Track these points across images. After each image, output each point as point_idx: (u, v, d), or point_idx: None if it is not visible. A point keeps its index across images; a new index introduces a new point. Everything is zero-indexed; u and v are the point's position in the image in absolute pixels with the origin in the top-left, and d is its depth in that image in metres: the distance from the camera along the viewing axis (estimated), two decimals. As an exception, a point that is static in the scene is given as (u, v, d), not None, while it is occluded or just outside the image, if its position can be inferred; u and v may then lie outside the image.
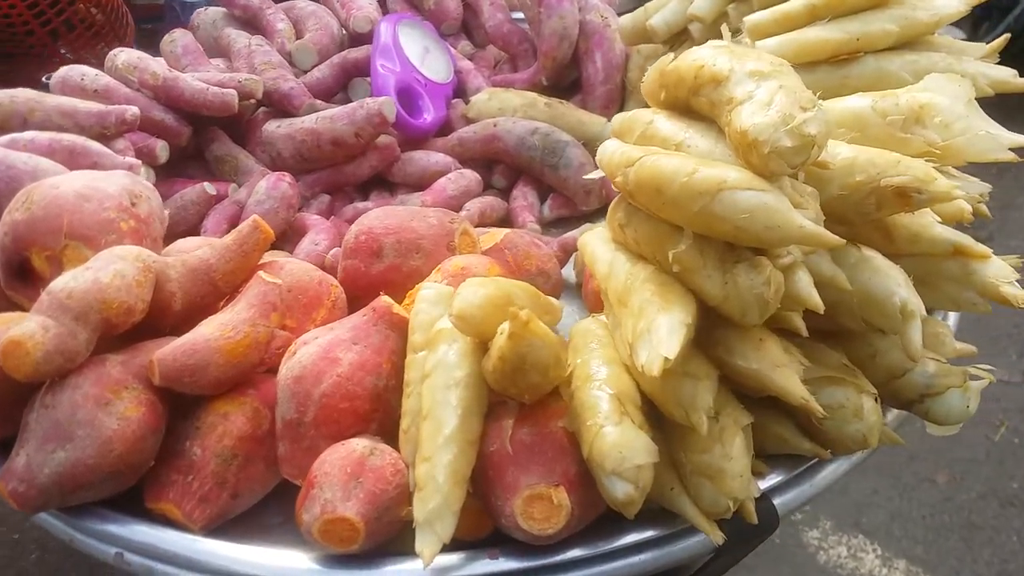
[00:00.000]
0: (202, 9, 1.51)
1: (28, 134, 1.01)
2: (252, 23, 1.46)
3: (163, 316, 0.84)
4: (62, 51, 2.16)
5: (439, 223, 0.95)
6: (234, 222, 1.14)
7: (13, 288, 0.87)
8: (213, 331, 0.78)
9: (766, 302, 0.61)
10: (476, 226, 1.19)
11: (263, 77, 1.26)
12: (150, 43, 1.54)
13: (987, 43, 1.01)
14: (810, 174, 0.68)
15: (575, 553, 0.72)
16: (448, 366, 0.72)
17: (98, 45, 2.21)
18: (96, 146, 1.05)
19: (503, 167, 1.30)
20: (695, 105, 0.68)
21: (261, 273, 0.84)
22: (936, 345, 0.82)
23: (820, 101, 0.59)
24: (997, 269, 0.74)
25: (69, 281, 0.76)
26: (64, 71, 1.18)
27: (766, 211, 0.58)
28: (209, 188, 1.15)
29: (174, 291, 0.84)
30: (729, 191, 0.59)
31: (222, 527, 0.78)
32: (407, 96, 1.31)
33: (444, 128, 1.36)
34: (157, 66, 1.20)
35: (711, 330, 0.67)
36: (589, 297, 0.99)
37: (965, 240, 0.73)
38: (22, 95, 1.07)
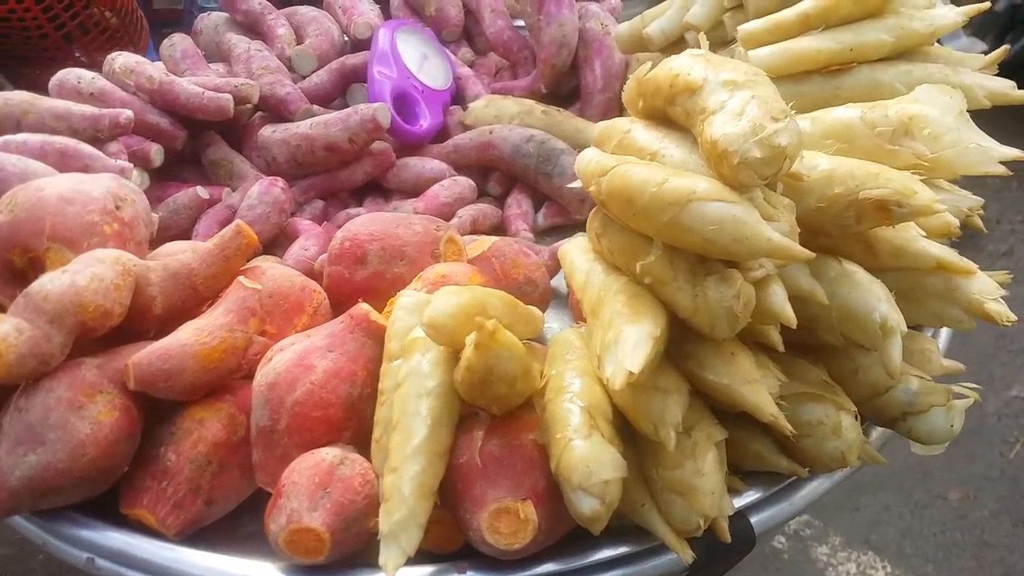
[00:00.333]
0: (205, 14, 1.52)
1: (20, 136, 1.02)
2: (253, 28, 1.46)
3: (143, 320, 0.84)
4: (76, 55, 2.18)
5: (424, 230, 0.95)
6: (226, 226, 1.13)
7: (-2, 289, 0.87)
8: (189, 336, 0.78)
9: (735, 316, 0.60)
10: (468, 233, 1.19)
11: (260, 82, 1.27)
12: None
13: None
14: (788, 185, 0.67)
15: (547, 568, 0.71)
16: (420, 375, 0.71)
17: (112, 49, 2.22)
18: (88, 149, 1.05)
19: (498, 174, 1.30)
20: (671, 114, 0.67)
21: (241, 278, 0.84)
22: (922, 362, 0.80)
23: (793, 112, 0.58)
24: (982, 285, 0.72)
25: (46, 284, 0.76)
26: (61, 74, 1.19)
27: (734, 223, 0.57)
28: (202, 192, 1.16)
29: (154, 295, 0.84)
30: (698, 202, 0.58)
31: (198, 534, 0.78)
32: (404, 102, 1.31)
33: (441, 135, 1.36)
34: (154, 70, 1.20)
35: (683, 343, 0.66)
36: (575, 307, 0.98)
37: (949, 255, 0.71)
38: (16, 97, 1.07)
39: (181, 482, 0.76)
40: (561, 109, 1.34)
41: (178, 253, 0.89)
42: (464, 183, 1.24)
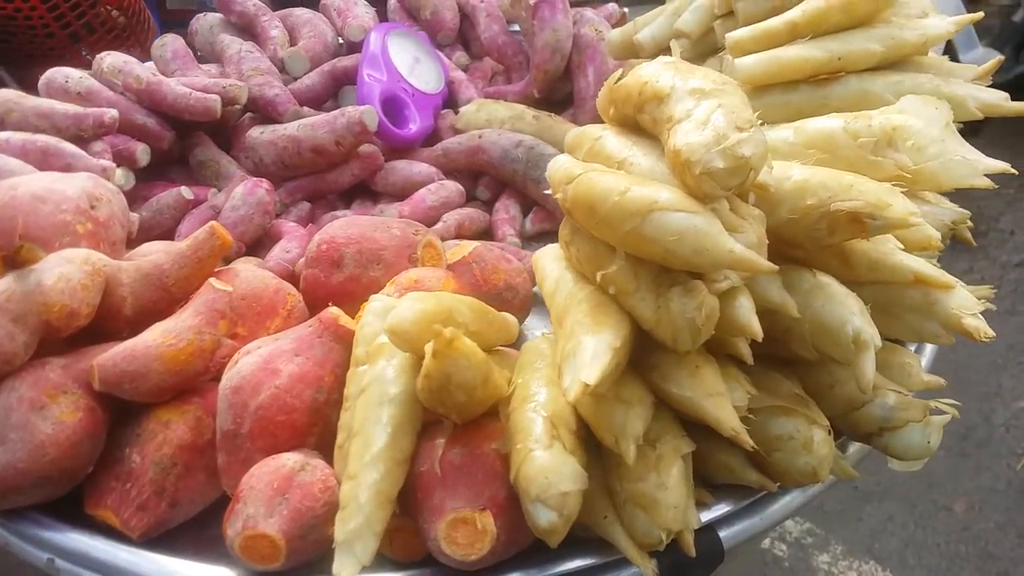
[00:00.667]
0: (201, 15, 1.52)
1: (3, 134, 1.02)
2: (248, 29, 1.46)
3: (113, 321, 0.83)
4: (83, 53, 2.19)
5: (402, 234, 0.94)
6: (210, 227, 1.13)
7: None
8: (155, 337, 0.77)
9: (698, 328, 0.58)
10: (454, 238, 1.18)
11: (249, 83, 1.26)
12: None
13: None
14: (760, 196, 0.66)
15: (511, 579, 0.70)
16: (384, 382, 0.70)
17: (119, 48, 2.23)
18: (70, 147, 1.05)
19: (488, 179, 1.29)
20: (641, 122, 0.66)
21: (212, 280, 0.83)
22: (902, 376, 0.79)
23: (759, 122, 0.57)
24: (961, 300, 0.70)
25: (11, 283, 0.75)
26: (50, 73, 1.19)
27: (696, 234, 0.55)
28: (186, 192, 1.15)
29: (125, 296, 0.83)
30: (660, 212, 0.57)
31: (164, 537, 0.77)
32: (393, 105, 1.30)
33: (432, 138, 1.35)
34: (141, 70, 1.20)
35: (648, 355, 0.65)
36: (555, 315, 0.97)
37: (927, 269, 0.70)
38: (1, 96, 1.07)
39: (145, 484, 0.76)
40: (552, 114, 1.33)
41: (151, 254, 0.88)
42: (452, 187, 1.23)
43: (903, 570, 2.05)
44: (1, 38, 1.80)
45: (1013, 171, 0.80)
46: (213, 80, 1.23)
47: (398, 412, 0.68)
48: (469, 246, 0.99)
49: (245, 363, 0.77)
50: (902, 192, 0.70)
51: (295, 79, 1.37)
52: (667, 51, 1.16)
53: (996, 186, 0.80)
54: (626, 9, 1.59)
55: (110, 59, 1.21)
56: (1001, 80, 3.26)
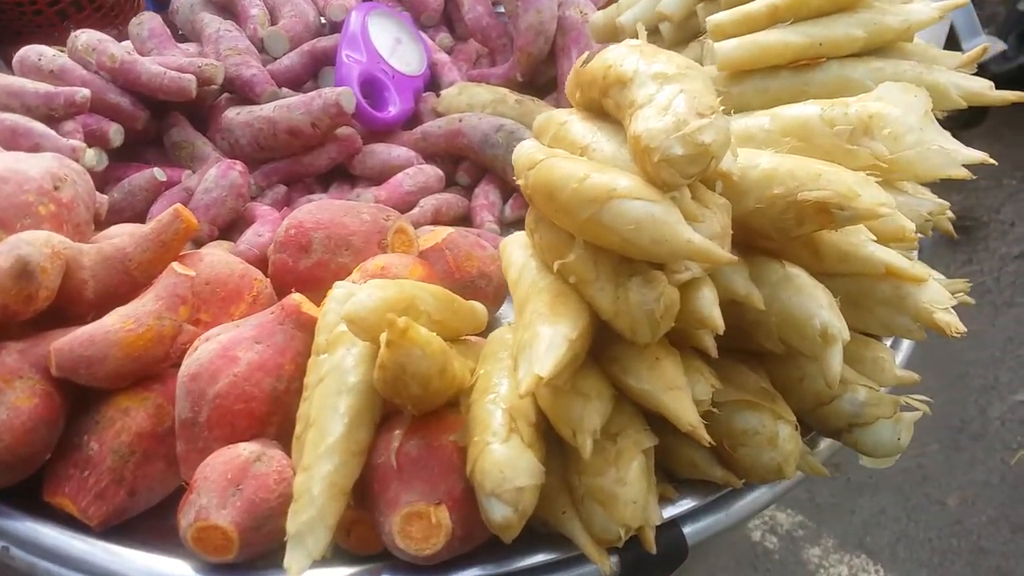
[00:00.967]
0: (183, -8, 1.49)
1: (-30, 113, 1.00)
2: (228, 8, 1.43)
3: (74, 304, 0.82)
4: (72, 31, 2.16)
5: (372, 219, 0.92)
6: (183, 210, 1.11)
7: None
8: (114, 323, 0.76)
9: (656, 320, 0.57)
10: (431, 224, 1.16)
11: (226, 63, 1.24)
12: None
13: None
14: (727, 184, 0.64)
15: (470, 572, 0.68)
16: (342, 371, 0.68)
17: (108, 26, 2.20)
18: (39, 127, 1.03)
19: (468, 164, 1.27)
20: (606, 107, 0.64)
21: (174, 264, 0.82)
22: (875, 371, 0.77)
23: (721, 107, 0.55)
24: (933, 294, 0.69)
25: (-34, 265, 0.74)
26: (24, 50, 1.17)
27: (653, 223, 0.54)
28: (159, 174, 1.13)
29: (86, 279, 0.82)
30: (618, 200, 0.55)
31: (126, 527, 0.76)
32: (373, 87, 1.28)
33: (413, 122, 1.33)
34: (116, 48, 1.18)
35: (609, 346, 0.63)
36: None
37: (899, 261, 0.68)
38: (-31, 74, 1.05)
39: (103, 472, 0.74)
40: (535, 99, 1.31)
41: (116, 236, 0.86)
42: (430, 172, 1.21)
43: (894, 564, 2.05)
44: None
45: (992, 161, 0.78)
46: (189, 60, 1.21)
47: (356, 402, 0.67)
48: (443, 232, 0.97)
49: (204, 350, 0.75)
50: (877, 182, 0.68)
51: (275, 59, 1.35)
52: (652, 34, 1.14)
53: (974, 176, 0.78)
54: None
55: (85, 37, 1.19)
56: (1004, 69, 3.22)
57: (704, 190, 0.61)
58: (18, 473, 0.74)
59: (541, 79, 1.40)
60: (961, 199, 3.12)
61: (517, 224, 1.22)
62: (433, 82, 1.41)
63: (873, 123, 0.76)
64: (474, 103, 1.29)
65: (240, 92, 1.25)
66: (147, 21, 1.29)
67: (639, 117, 0.56)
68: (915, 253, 0.95)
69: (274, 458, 0.69)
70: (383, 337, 0.60)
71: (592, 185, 0.56)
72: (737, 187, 0.64)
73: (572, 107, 0.76)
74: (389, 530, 0.63)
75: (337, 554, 0.70)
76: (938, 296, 0.68)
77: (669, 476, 0.73)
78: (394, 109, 1.28)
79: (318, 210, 0.92)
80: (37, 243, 0.78)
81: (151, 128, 1.25)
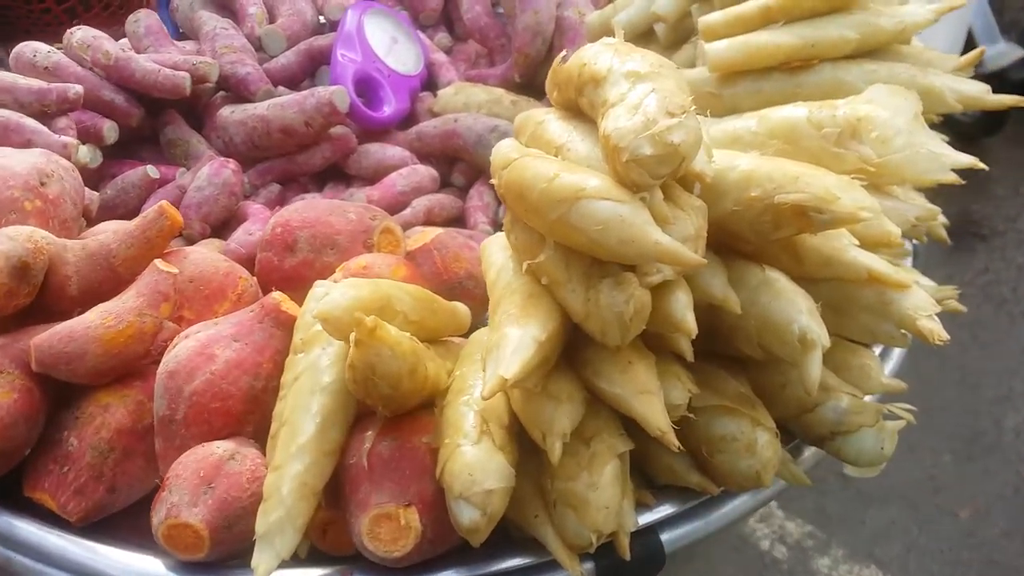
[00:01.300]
0: (182, -10, 1.49)
1: (-38, 109, 1.00)
2: (227, 6, 1.43)
3: (57, 300, 0.82)
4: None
5: (358, 219, 0.91)
6: (176, 207, 1.11)
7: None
8: (94, 319, 0.76)
9: (626, 323, 0.56)
10: (423, 224, 1.15)
11: (222, 61, 1.24)
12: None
13: None
14: (705, 186, 0.63)
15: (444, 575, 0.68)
16: (317, 371, 0.68)
17: (117, 24, 2.22)
18: (31, 123, 1.03)
19: (463, 165, 1.26)
20: (581, 105, 0.64)
21: (157, 261, 0.81)
22: (860, 378, 0.76)
23: (693, 107, 0.54)
24: (917, 300, 0.67)
25: (-53, 261, 0.74)
26: (19, 47, 1.17)
27: (620, 224, 0.53)
28: (152, 171, 1.13)
29: (70, 275, 0.82)
30: (586, 200, 0.54)
31: (106, 523, 0.76)
32: (368, 87, 1.28)
33: (410, 121, 1.32)
34: (111, 45, 1.18)
35: (583, 349, 0.62)
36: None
37: (882, 267, 0.67)
38: (-37, 69, 1.06)
39: (82, 468, 0.74)
40: (531, 99, 1.30)
41: (101, 233, 0.86)
42: (424, 172, 1.20)
43: (905, 575, 2.02)
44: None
45: (983, 166, 0.77)
46: (184, 57, 1.21)
47: (330, 402, 0.66)
48: (432, 232, 0.97)
49: (182, 347, 0.75)
50: (864, 186, 0.67)
51: (272, 58, 1.35)
52: (643, 35, 1.13)
53: (963, 181, 0.77)
54: None
55: (80, 34, 1.19)
56: (1022, 76, 3.16)
57: (680, 191, 0.60)
58: (-3, 468, 0.74)
59: (539, 80, 1.37)
60: (979, 208, 3.08)
61: (511, 225, 1.21)
62: (430, 82, 1.41)
63: (861, 126, 0.75)
64: (470, 103, 1.29)
65: (235, 90, 1.25)
66: (144, 19, 1.30)
67: (609, 116, 0.55)
68: (908, 260, 0.94)
69: (248, 457, 0.69)
70: (352, 336, 0.60)
71: (561, 185, 0.55)
72: (714, 189, 0.63)
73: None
74: (358, 531, 0.63)
75: (312, 555, 0.70)
76: (922, 303, 0.67)
77: (648, 482, 0.73)
78: (389, 109, 1.27)
79: (305, 209, 0.92)
80: (20, 238, 0.78)
81: (147, 126, 1.25)
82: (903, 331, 0.68)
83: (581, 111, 0.65)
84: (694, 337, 0.59)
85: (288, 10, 1.39)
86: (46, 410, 0.77)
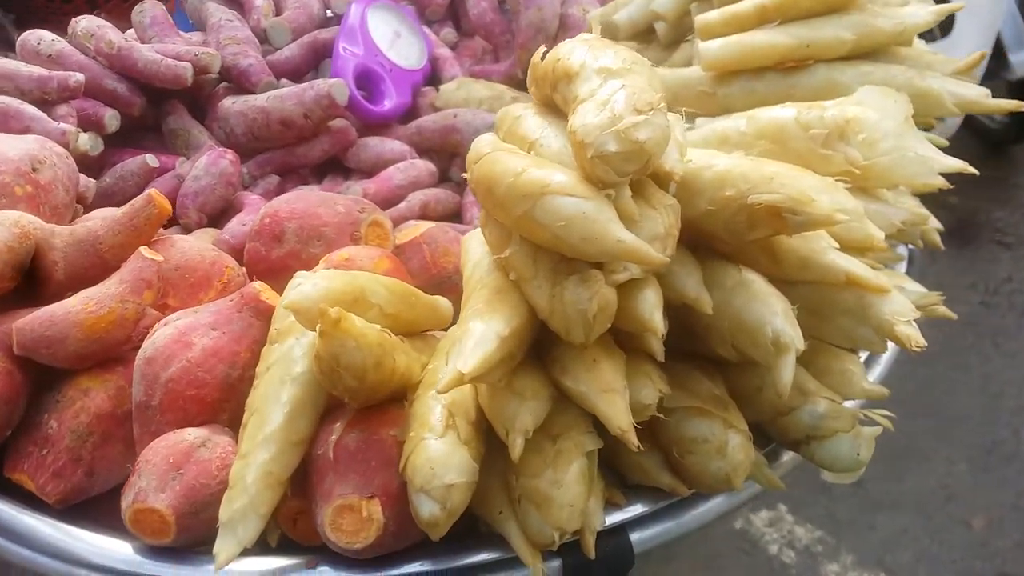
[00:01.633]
0: (191, -19, 1.50)
1: (-38, 95, 1.01)
2: (235, -2, 1.44)
3: (44, 285, 0.83)
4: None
5: (346, 211, 0.91)
6: (173, 196, 1.12)
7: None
8: (76, 304, 0.77)
9: (589, 320, 0.55)
10: (419, 218, 1.15)
11: (224, 52, 1.25)
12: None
13: None
14: (680, 185, 0.62)
15: (411, 568, 0.68)
16: (289, 361, 0.68)
17: (133, 15, 2.25)
18: (31, 110, 1.04)
19: (462, 160, 1.25)
20: (556, 101, 0.63)
21: (141, 249, 0.82)
22: (841, 383, 0.75)
23: (663, 105, 0.53)
24: (896, 305, 0.66)
25: (-68, 243, 0.75)
26: (25, 35, 1.18)
27: (583, 221, 0.53)
28: (151, 160, 1.14)
29: (57, 260, 0.82)
30: (551, 196, 0.54)
31: (87, 506, 0.76)
32: (370, 80, 1.28)
33: (411, 116, 1.32)
34: (114, 35, 1.19)
35: (551, 346, 0.62)
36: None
37: (860, 270, 0.66)
38: (-36, 56, 1.07)
39: (61, 451, 0.75)
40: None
41: (88, 219, 0.87)
42: (422, 167, 1.20)
43: (914, 584, 2.00)
44: (20, 3, 1.81)
45: (973, 170, 0.76)
46: (186, 48, 1.22)
47: (299, 392, 0.67)
48: (423, 227, 0.97)
49: (161, 334, 0.75)
50: (849, 188, 0.66)
51: (277, 50, 1.35)
52: (643, 33, 1.12)
53: (951, 185, 0.75)
54: None
55: (85, 23, 1.20)
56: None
57: (653, 189, 0.60)
58: (-24, 448, 0.75)
59: (542, 77, 1.38)
60: (1005, 215, 3.03)
61: (507, 222, 1.21)
62: (435, 77, 1.41)
63: (849, 128, 0.74)
64: (471, 99, 1.28)
65: (236, 82, 1.26)
66: (149, 9, 1.31)
67: (578, 112, 0.55)
68: (903, 265, 0.93)
69: (219, 445, 0.69)
70: (318, 327, 0.60)
71: (527, 180, 0.55)
72: (689, 188, 0.62)
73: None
74: (321, 522, 0.63)
75: (283, 543, 0.70)
76: (901, 308, 0.65)
77: (621, 481, 0.72)
78: (389, 102, 1.27)
79: (294, 200, 0.92)
80: (6, 223, 0.79)
81: (151, 115, 1.26)
82: (881, 336, 0.67)
83: (557, 107, 0.65)
84: (663, 336, 0.58)
85: (294, 3, 1.40)
86: (28, 393, 0.78)
